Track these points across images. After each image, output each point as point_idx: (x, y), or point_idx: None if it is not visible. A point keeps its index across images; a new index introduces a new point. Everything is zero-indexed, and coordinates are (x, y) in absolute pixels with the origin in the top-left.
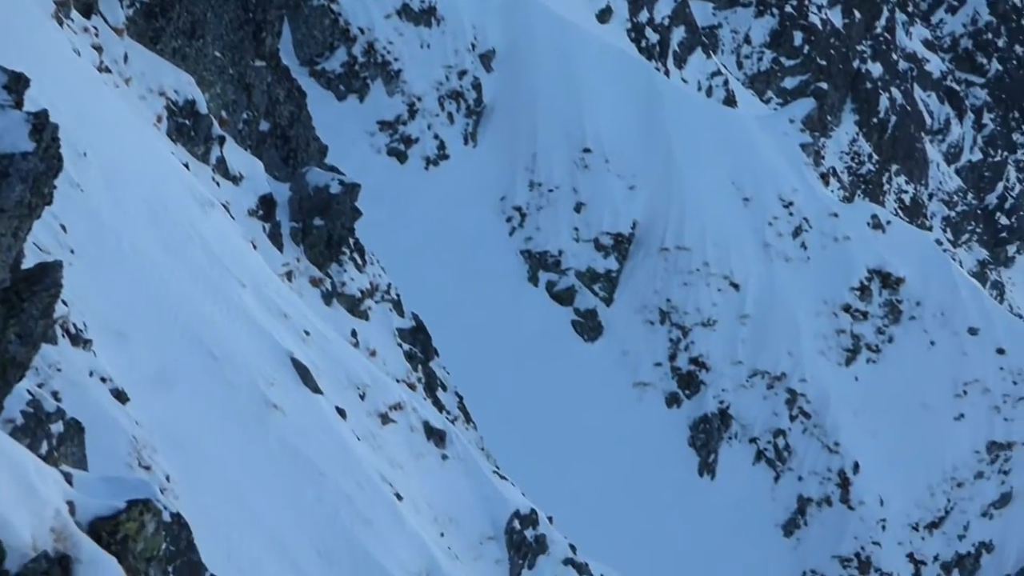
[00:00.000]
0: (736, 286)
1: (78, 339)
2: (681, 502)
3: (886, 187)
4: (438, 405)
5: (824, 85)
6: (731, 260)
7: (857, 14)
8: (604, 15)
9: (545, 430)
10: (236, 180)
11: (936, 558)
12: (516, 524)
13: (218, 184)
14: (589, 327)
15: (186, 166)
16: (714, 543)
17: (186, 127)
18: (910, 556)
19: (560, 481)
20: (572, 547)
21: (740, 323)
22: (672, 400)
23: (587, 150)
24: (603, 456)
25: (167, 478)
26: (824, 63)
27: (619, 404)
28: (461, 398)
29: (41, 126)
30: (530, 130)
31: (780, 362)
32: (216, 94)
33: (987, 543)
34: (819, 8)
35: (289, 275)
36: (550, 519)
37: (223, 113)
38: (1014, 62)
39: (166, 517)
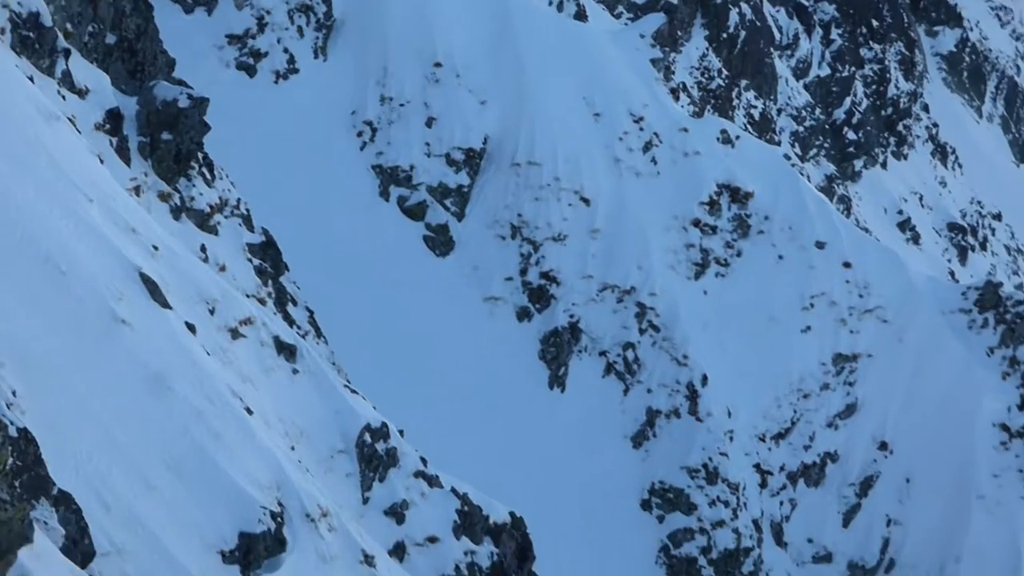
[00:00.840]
0: (587, 201)
1: None
2: (531, 415)
3: (735, 102)
4: (289, 320)
5: (674, 0)
6: (582, 175)
7: None
8: None
9: (396, 344)
10: (82, 94)
11: (782, 468)
12: (367, 438)
13: (64, 98)
14: (440, 242)
15: (31, 79)
16: (564, 455)
17: (30, 39)
18: (757, 467)
19: (411, 395)
20: (423, 460)
21: (590, 238)
22: (523, 314)
23: (438, 64)
24: (454, 370)
25: (13, 393)
26: None
27: (470, 318)
28: (312, 313)
29: None
30: (380, 44)
31: (630, 276)
32: (61, 6)
33: (832, 453)
34: None
35: (137, 190)
36: (401, 432)
37: (68, 25)
38: None
39: (12, 432)
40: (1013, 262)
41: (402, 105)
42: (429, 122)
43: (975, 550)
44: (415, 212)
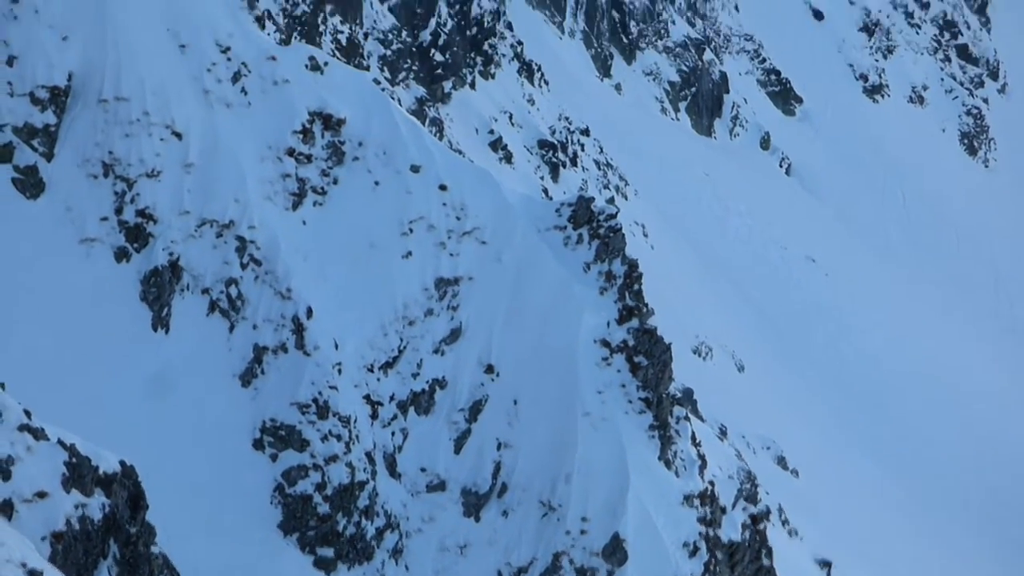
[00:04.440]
0: (179, 135)
1: None
2: (137, 358)
3: (322, 28)
4: None
5: None
6: (172, 108)
7: None
8: None
9: None
10: None
11: (392, 397)
12: None
13: None
14: (30, 184)
15: None
16: (173, 397)
17: None
18: (367, 397)
19: (11, 345)
20: (27, 412)
21: (185, 172)
22: (121, 255)
23: (15, 0)
24: (53, 317)
25: None
26: None
27: (67, 262)
28: None
29: None
30: None
31: (228, 210)
32: None
33: (440, 379)
34: None
35: None
36: (2, 386)
37: None
38: None
39: None
40: (603, 176)
41: None
42: (10, 61)
43: (584, 467)
44: (2, 154)
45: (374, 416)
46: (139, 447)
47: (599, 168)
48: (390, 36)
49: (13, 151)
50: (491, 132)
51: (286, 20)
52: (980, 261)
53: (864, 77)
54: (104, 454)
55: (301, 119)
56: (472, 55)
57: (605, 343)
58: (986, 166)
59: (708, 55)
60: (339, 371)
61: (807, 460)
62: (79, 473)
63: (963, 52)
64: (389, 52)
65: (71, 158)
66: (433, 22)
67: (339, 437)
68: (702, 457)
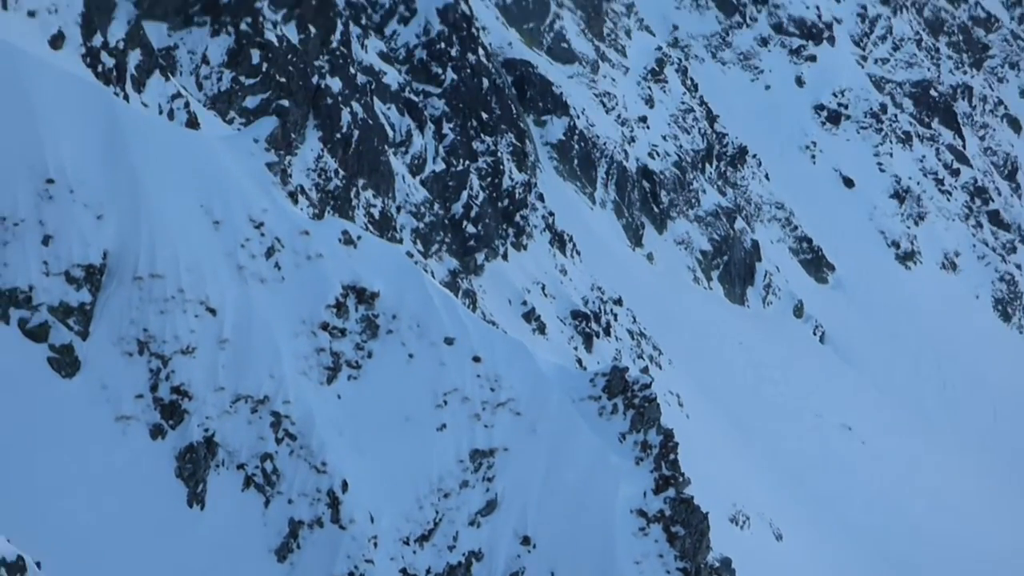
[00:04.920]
0: (213, 311)
1: None
2: (172, 535)
3: (355, 202)
4: None
5: (285, 103)
6: (206, 285)
7: (312, 29)
8: (56, 41)
9: (26, 473)
10: None
11: (428, 571)
12: (3, 573)
13: None
14: (66, 363)
15: None
16: (208, 574)
17: None
18: (403, 571)
19: (46, 523)
20: None
21: (220, 348)
22: (157, 432)
23: (51, 181)
24: (90, 494)
25: None
26: (284, 80)
27: (102, 440)
28: None
29: None
30: None
31: (263, 385)
32: None
33: (476, 552)
34: (274, 25)
35: None
36: (38, 565)
37: None
38: (468, 71)
39: None
40: (637, 346)
41: (16, 224)
42: (46, 240)
43: None
44: (37, 334)
45: None
46: None
47: (632, 338)
48: (422, 209)
49: (49, 331)
50: (524, 303)
51: (319, 195)
52: (1018, 428)
53: (896, 244)
54: None
55: (335, 293)
56: (504, 227)
57: (642, 513)
58: (1020, 332)
59: (739, 223)
60: (375, 544)
61: None
62: None
63: (994, 218)
64: (422, 225)
65: (106, 336)
66: (465, 195)
67: None
68: None
